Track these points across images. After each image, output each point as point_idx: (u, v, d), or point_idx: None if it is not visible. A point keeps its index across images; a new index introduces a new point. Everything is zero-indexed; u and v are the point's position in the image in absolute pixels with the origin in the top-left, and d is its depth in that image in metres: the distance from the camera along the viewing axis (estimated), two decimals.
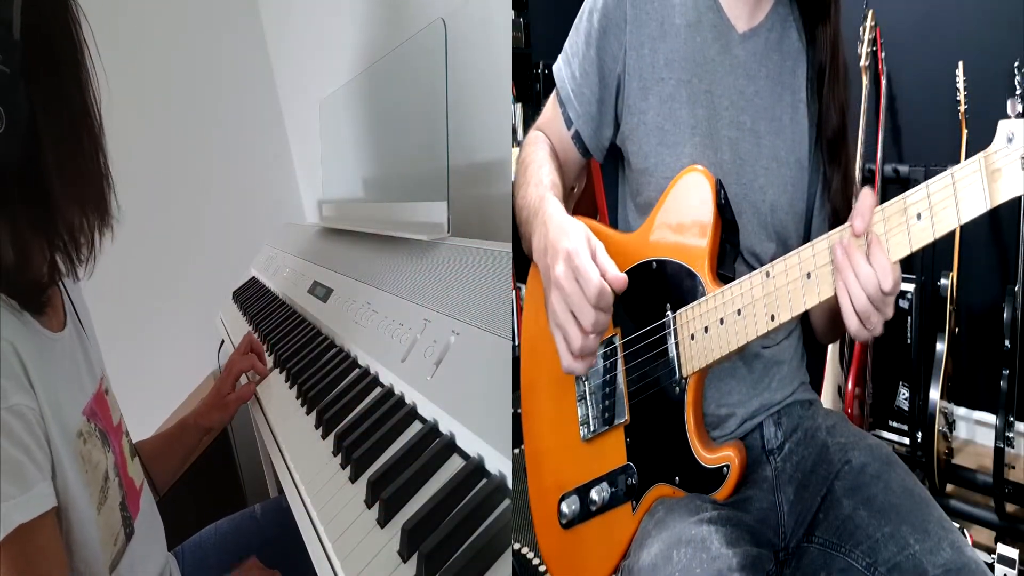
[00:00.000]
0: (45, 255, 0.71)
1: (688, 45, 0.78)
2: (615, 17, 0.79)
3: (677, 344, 0.76)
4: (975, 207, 0.59)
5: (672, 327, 0.76)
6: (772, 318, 0.69)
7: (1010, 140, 0.57)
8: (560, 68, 0.87)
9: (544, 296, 0.76)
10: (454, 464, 0.71)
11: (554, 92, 0.89)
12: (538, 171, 0.84)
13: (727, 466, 0.72)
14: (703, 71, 0.78)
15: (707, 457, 0.73)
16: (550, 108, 0.90)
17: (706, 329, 0.73)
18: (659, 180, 0.80)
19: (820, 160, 0.82)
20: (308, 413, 0.97)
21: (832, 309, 0.71)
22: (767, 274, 0.69)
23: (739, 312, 0.71)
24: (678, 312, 0.76)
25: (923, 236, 0.62)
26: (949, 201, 0.60)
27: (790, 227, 0.81)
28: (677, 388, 0.76)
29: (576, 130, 0.85)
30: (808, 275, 0.67)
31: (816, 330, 0.90)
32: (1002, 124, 0.58)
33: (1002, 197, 0.58)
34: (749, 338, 0.70)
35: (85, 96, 0.72)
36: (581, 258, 0.67)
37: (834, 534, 0.72)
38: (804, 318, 0.90)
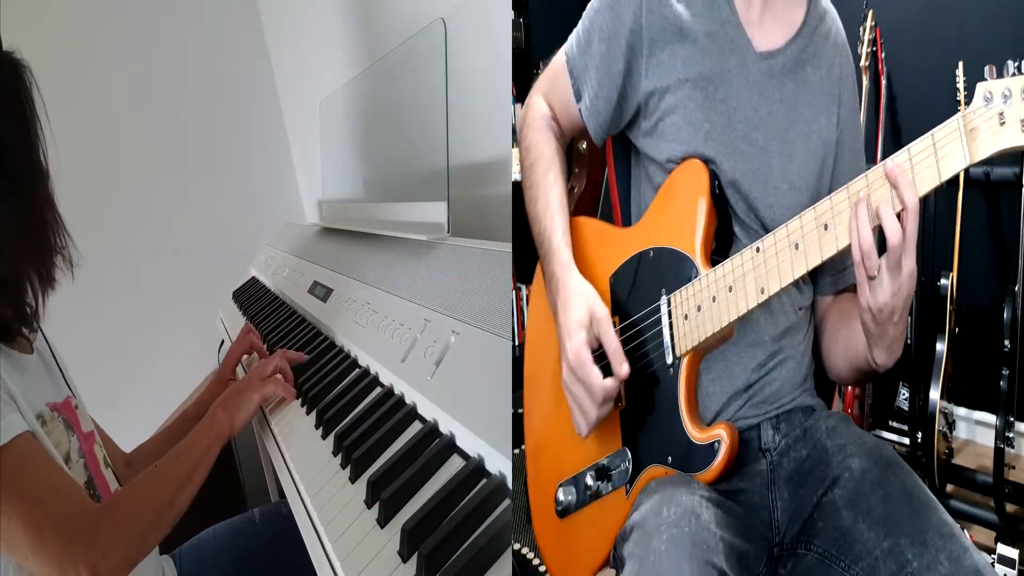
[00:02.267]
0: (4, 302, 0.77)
1: (707, 54, 0.79)
2: (625, 16, 0.80)
3: (671, 325, 0.77)
4: (955, 164, 0.61)
5: (666, 309, 0.78)
6: (762, 291, 0.71)
7: (988, 100, 0.59)
8: (574, 54, 0.87)
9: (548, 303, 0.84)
10: (454, 464, 0.71)
11: (563, 61, 0.89)
12: (545, 180, 0.87)
13: (718, 442, 0.73)
14: (720, 80, 0.79)
15: (698, 435, 0.74)
16: (560, 77, 0.90)
17: (699, 308, 0.75)
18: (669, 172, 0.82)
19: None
20: (308, 413, 0.97)
21: (852, 346, 0.75)
22: (757, 249, 0.72)
23: (730, 288, 0.73)
24: (672, 294, 0.78)
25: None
26: (930, 160, 0.62)
27: None
28: (671, 369, 0.77)
29: (584, 118, 0.87)
30: (796, 246, 0.69)
31: (833, 368, 0.89)
32: (980, 85, 0.60)
33: (981, 154, 0.60)
34: (740, 312, 0.72)
35: (32, 165, 0.78)
36: (584, 359, 0.76)
37: (833, 545, 0.71)
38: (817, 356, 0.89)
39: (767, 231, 0.79)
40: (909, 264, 0.64)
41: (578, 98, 0.87)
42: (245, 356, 1.30)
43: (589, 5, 0.85)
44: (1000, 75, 0.59)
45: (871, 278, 0.66)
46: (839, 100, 0.83)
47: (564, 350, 0.79)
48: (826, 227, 0.67)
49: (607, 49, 0.82)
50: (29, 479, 0.69)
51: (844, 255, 0.68)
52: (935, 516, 0.69)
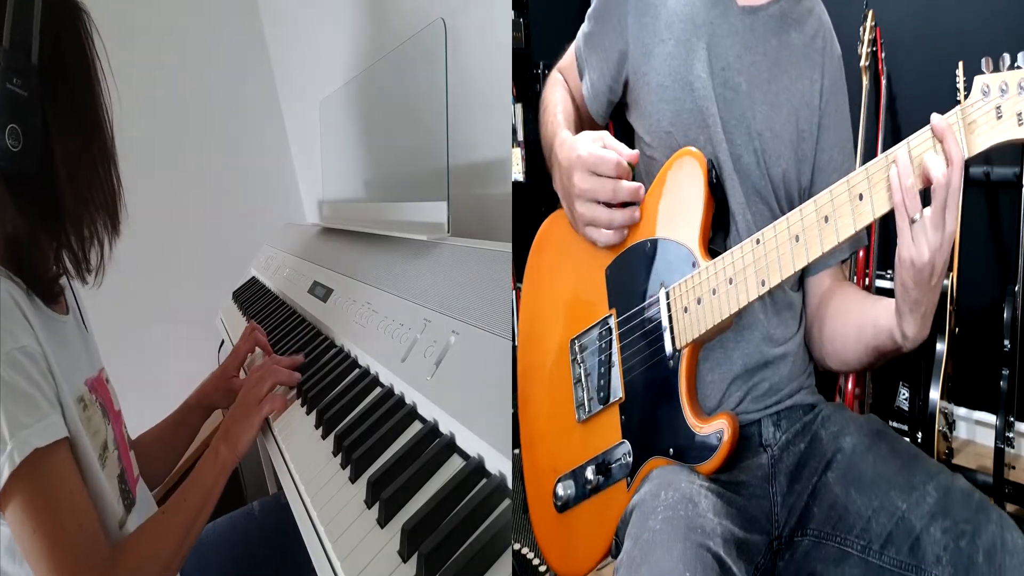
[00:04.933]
0: (51, 253, 0.77)
1: (687, 7, 0.81)
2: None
3: (671, 318, 0.77)
4: None
5: (665, 302, 0.78)
6: (762, 283, 0.71)
7: (985, 93, 0.60)
8: (580, 35, 0.92)
9: (568, 215, 0.86)
10: (454, 464, 0.71)
11: (574, 45, 0.94)
12: (553, 111, 0.91)
13: (721, 433, 0.73)
14: (701, 31, 0.80)
15: (700, 426, 0.75)
16: (571, 53, 0.95)
17: (699, 300, 0.75)
18: (662, 142, 0.83)
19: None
20: (308, 413, 0.97)
21: (866, 325, 0.75)
22: (757, 241, 0.72)
23: (731, 281, 0.73)
24: (671, 287, 0.78)
25: None
26: (929, 154, 0.62)
27: (794, 195, 0.83)
28: (671, 361, 0.77)
29: (586, 101, 0.92)
30: (796, 238, 0.69)
31: (841, 353, 0.83)
32: (978, 79, 0.60)
33: (979, 147, 0.60)
34: (741, 305, 0.72)
35: (97, 110, 0.79)
36: (593, 149, 0.78)
37: (827, 523, 0.73)
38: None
39: (751, 184, 0.81)
40: (951, 222, 0.62)
41: (582, 79, 0.92)
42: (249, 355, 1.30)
43: None
44: (997, 68, 0.59)
45: (912, 221, 0.63)
46: (822, 70, 0.83)
47: (571, 161, 0.80)
48: (826, 219, 0.67)
49: (601, 28, 0.86)
50: (58, 496, 0.68)
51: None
52: (923, 463, 0.70)
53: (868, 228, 0.68)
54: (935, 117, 0.62)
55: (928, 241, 0.63)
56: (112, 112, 0.81)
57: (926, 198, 0.63)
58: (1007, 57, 0.59)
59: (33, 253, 0.74)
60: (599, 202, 0.80)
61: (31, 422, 0.65)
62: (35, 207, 0.73)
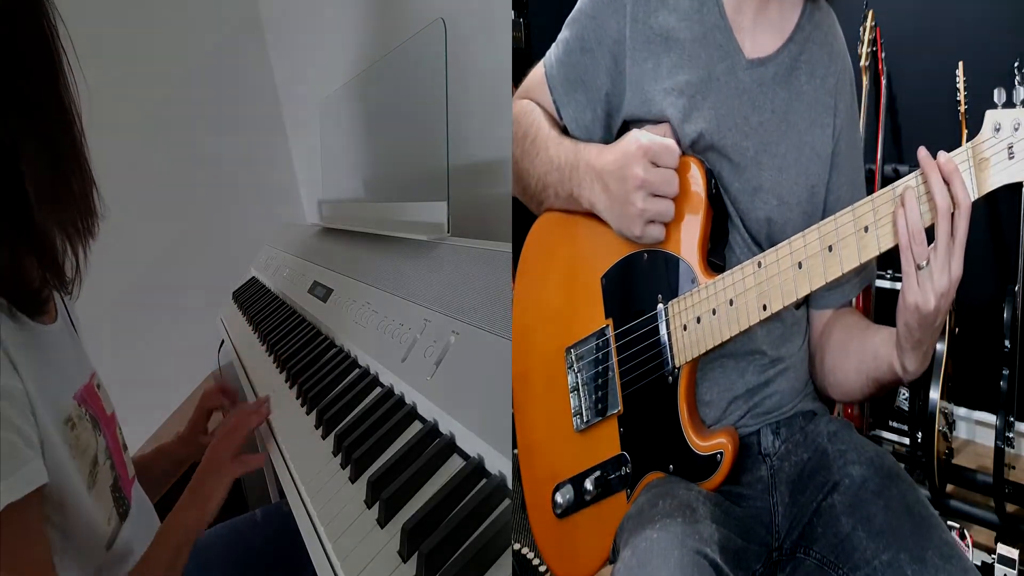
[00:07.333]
0: (34, 264, 0.73)
1: (694, 60, 0.76)
2: (608, 26, 0.78)
3: (669, 335, 0.76)
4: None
5: (664, 318, 0.77)
6: (764, 308, 0.70)
7: (997, 130, 0.58)
8: (551, 63, 0.85)
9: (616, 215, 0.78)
10: (454, 464, 0.71)
11: (542, 74, 0.87)
12: (547, 133, 0.84)
13: (720, 453, 0.73)
14: (707, 88, 0.76)
15: (701, 445, 0.74)
16: (539, 88, 0.87)
17: (698, 319, 0.74)
18: None
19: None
20: (308, 413, 0.97)
21: (869, 362, 0.73)
22: (759, 264, 0.71)
23: (731, 302, 0.72)
24: (670, 303, 0.77)
25: None
26: (938, 196, 0.60)
27: None
28: (670, 378, 0.76)
29: (572, 134, 0.86)
30: (799, 264, 0.68)
31: (843, 384, 0.82)
32: (989, 114, 0.58)
33: (989, 186, 0.59)
34: (742, 327, 0.71)
35: (64, 109, 0.73)
36: (653, 138, 0.74)
37: (832, 552, 0.71)
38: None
39: (755, 248, 0.78)
40: (957, 267, 0.61)
41: (558, 111, 0.85)
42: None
43: (570, 16, 0.83)
44: (1010, 100, 0.58)
45: (919, 268, 0.63)
46: (835, 110, 0.79)
47: (631, 158, 0.74)
48: (830, 248, 0.65)
49: (590, 61, 0.80)
50: (24, 553, 0.66)
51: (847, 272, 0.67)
52: (936, 534, 0.67)
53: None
54: (943, 156, 0.60)
55: (934, 288, 0.62)
56: (80, 105, 0.75)
57: (931, 235, 0.62)
58: (1021, 89, 0.58)
59: (10, 270, 0.70)
60: (658, 196, 0.74)
61: (7, 473, 0.63)
62: (6, 221, 0.69)
